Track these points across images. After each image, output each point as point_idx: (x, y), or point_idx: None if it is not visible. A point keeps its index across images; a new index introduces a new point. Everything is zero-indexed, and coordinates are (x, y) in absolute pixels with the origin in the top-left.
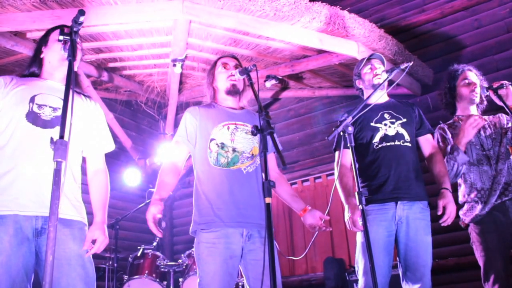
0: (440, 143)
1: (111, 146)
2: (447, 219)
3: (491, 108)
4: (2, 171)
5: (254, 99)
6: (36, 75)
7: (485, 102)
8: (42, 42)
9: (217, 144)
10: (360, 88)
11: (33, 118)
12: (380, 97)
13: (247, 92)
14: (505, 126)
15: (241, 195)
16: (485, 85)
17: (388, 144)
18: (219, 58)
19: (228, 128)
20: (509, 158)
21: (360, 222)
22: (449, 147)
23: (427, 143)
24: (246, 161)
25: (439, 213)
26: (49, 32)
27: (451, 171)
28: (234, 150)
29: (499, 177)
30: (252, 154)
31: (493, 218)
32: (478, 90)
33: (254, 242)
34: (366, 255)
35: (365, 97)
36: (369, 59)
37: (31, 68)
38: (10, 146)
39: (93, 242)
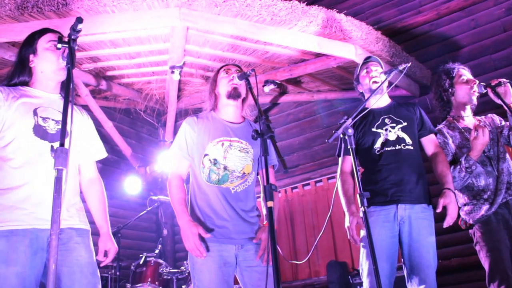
0: (444, 149)
1: (102, 154)
2: (449, 220)
3: (489, 107)
4: (14, 185)
5: (254, 104)
6: (26, 84)
7: (476, 103)
8: (28, 49)
9: (210, 160)
10: (362, 93)
11: (40, 132)
12: (378, 99)
13: (248, 100)
14: (499, 125)
15: (232, 213)
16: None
17: (389, 148)
18: (222, 66)
19: (223, 144)
20: (506, 157)
21: (362, 232)
22: (463, 160)
23: (430, 143)
24: (235, 180)
25: (438, 210)
26: (33, 39)
27: (461, 182)
28: (225, 168)
29: (502, 176)
30: (244, 173)
31: (499, 217)
32: (476, 87)
33: (247, 250)
34: (370, 257)
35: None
36: (365, 62)
37: (20, 77)
38: (19, 160)
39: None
